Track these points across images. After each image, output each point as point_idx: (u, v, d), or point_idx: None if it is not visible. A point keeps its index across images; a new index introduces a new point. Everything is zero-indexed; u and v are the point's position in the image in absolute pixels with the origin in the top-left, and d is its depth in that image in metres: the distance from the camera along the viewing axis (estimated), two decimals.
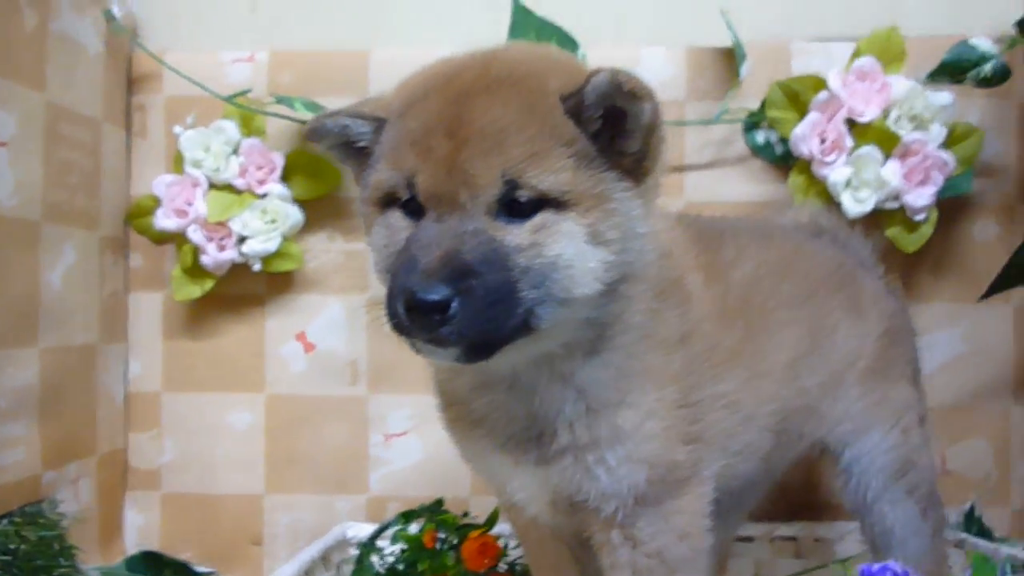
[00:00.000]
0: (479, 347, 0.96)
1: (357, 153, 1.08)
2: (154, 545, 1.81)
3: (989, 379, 1.79)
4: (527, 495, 1.18)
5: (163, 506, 1.85)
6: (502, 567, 1.51)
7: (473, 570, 1.45)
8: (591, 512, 1.13)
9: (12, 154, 1.46)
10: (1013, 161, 1.78)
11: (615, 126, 0.99)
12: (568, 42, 1.70)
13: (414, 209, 1.00)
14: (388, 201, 1.03)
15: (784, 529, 1.73)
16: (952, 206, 1.76)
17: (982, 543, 1.52)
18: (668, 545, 1.13)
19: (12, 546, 1.38)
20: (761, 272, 1.28)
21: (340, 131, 1.08)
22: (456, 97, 0.98)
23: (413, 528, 1.52)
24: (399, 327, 0.95)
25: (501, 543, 1.50)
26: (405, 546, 1.49)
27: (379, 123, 1.05)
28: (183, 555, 1.78)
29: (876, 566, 1.16)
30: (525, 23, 1.67)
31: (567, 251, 0.97)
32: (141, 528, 1.84)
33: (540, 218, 0.97)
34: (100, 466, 1.73)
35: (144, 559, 1.47)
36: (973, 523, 1.68)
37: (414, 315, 0.92)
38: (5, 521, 1.40)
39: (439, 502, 1.56)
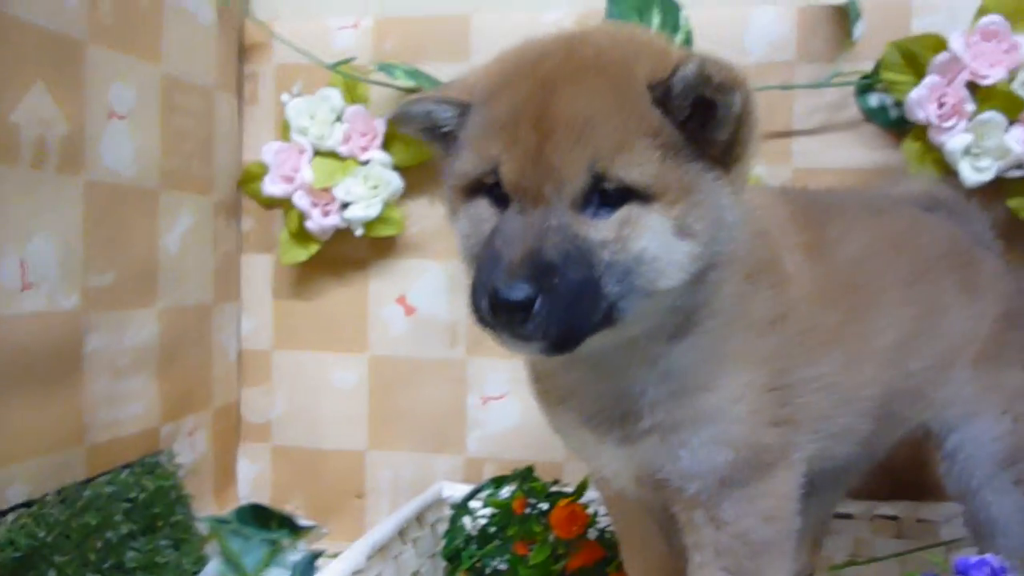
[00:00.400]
0: (563, 342, 0.95)
1: (442, 137, 1.07)
2: (264, 495, 1.92)
3: None
4: (612, 470, 1.19)
5: (273, 458, 1.95)
6: (591, 534, 1.53)
7: (562, 537, 1.48)
8: (674, 491, 1.13)
9: (131, 126, 1.54)
10: None
11: (704, 115, 0.96)
12: (670, 6, 1.65)
13: (500, 197, 0.99)
14: (474, 189, 1.01)
15: (885, 508, 1.68)
16: None
17: None
18: (753, 527, 1.12)
19: (132, 495, 1.48)
20: (870, 251, 1.23)
21: (424, 117, 1.06)
22: (542, 84, 0.96)
23: (504, 493, 1.55)
24: (483, 322, 0.95)
25: (590, 511, 1.51)
26: (496, 511, 1.53)
27: (464, 108, 1.03)
28: (290, 505, 1.89)
29: (974, 559, 1.12)
30: None
31: (652, 245, 0.95)
32: (253, 479, 1.95)
33: (625, 211, 0.95)
34: (215, 419, 1.84)
35: (252, 511, 1.55)
36: None
37: (498, 312, 0.92)
38: (126, 472, 1.50)
39: (530, 469, 1.59)
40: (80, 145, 1.42)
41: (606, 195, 0.95)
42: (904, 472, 1.73)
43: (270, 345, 1.94)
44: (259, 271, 1.94)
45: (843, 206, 1.28)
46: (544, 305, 0.91)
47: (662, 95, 0.95)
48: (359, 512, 1.92)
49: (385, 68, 1.75)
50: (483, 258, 0.95)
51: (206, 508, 1.73)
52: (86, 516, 1.39)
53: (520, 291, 0.90)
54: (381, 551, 1.36)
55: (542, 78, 0.96)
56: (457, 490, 1.70)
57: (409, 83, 1.76)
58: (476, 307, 0.95)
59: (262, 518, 1.57)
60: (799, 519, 1.16)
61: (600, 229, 0.94)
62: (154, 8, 1.59)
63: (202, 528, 1.55)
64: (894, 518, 1.68)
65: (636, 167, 0.94)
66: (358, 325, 1.91)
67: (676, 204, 0.96)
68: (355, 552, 1.26)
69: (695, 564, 1.14)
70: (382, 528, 1.39)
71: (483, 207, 1.00)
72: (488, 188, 1.00)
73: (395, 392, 1.90)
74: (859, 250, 1.22)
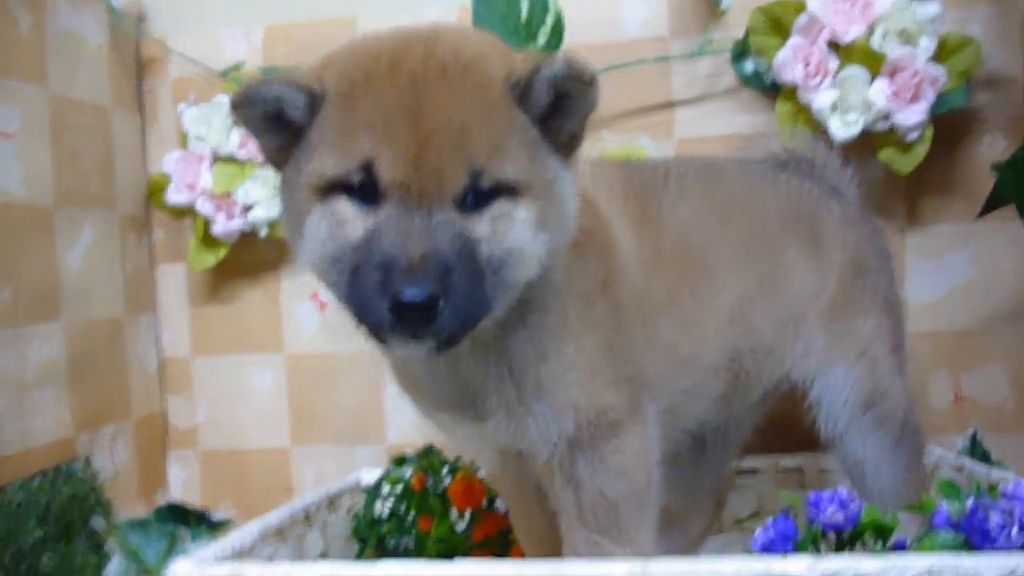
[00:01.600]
0: (453, 339, 0.97)
1: (284, 128, 1.03)
2: (195, 498, 1.96)
3: (1002, 302, 1.72)
4: (474, 448, 1.25)
5: (202, 462, 1.99)
6: (500, 506, 1.57)
7: (461, 509, 1.52)
8: (531, 459, 1.18)
9: (18, 145, 1.58)
10: (1018, 71, 1.68)
11: (554, 108, 1.01)
12: None
13: (366, 197, 0.97)
14: (330, 188, 0.99)
15: (788, 460, 1.73)
16: (951, 123, 1.68)
17: (979, 467, 1.48)
18: (607, 483, 1.16)
19: (45, 500, 1.53)
20: (703, 214, 1.28)
21: (273, 99, 1.01)
22: (411, 84, 0.96)
23: (406, 473, 1.60)
24: (375, 324, 0.94)
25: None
26: (399, 489, 1.57)
27: (313, 98, 1.01)
28: (222, 506, 1.93)
29: (825, 493, 1.16)
30: None
31: (521, 238, 0.99)
32: (184, 482, 1.99)
33: (497, 207, 0.98)
34: (138, 427, 1.88)
35: (170, 510, 1.60)
36: (976, 449, 1.64)
37: (402, 315, 0.91)
38: (38, 479, 1.55)
39: (430, 447, 1.63)
40: None
41: (479, 193, 0.97)
42: (804, 427, 1.77)
43: (189, 352, 1.99)
44: (174, 280, 1.98)
45: (680, 174, 1.31)
46: (445, 304, 0.93)
47: (521, 93, 0.99)
48: None
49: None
50: (370, 260, 0.94)
51: (133, 514, 1.77)
52: None
53: (424, 291, 0.91)
54: (278, 532, 1.40)
55: (408, 77, 0.97)
56: (374, 476, 1.75)
57: None
58: (368, 311, 0.94)
59: (180, 516, 1.62)
60: (656, 471, 1.20)
61: (478, 225, 0.97)
62: (35, 34, 1.64)
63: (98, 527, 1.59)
64: (798, 470, 1.73)
65: (509, 164, 0.98)
66: (273, 325, 1.95)
67: (539, 197, 1.00)
68: (244, 532, 1.30)
69: (564, 527, 1.18)
70: (280, 511, 1.43)
71: (343, 207, 0.98)
72: (348, 187, 0.98)
73: (314, 388, 1.95)
74: (691, 215, 1.26)
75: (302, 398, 1.95)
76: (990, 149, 1.70)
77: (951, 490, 1.17)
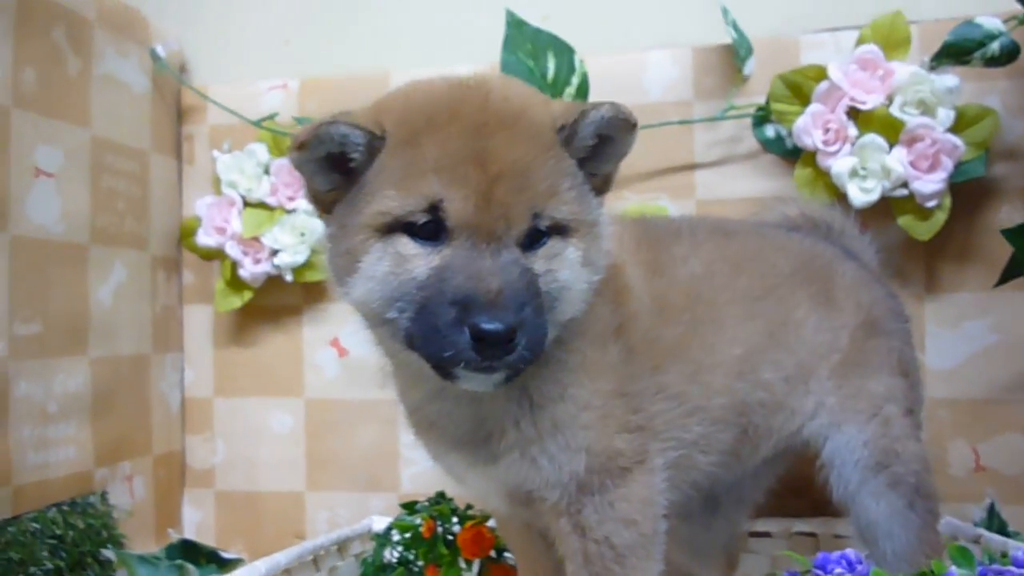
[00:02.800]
0: (518, 370, 1.02)
1: (342, 168, 1.06)
2: (209, 539, 1.96)
3: (1022, 370, 1.71)
4: (482, 490, 1.25)
5: (217, 503, 2.01)
6: (508, 558, 1.56)
7: (468, 558, 1.52)
8: (540, 502, 1.18)
9: (59, 184, 1.65)
10: None
11: (594, 151, 1.08)
12: (564, 50, 1.75)
13: (431, 236, 1.02)
14: (391, 227, 1.03)
15: (802, 525, 1.71)
16: (970, 192, 1.70)
17: (996, 538, 1.46)
18: (614, 531, 1.16)
19: (59, 532, 1.55)
20: (714, 268, 1.30)
21: (340, 139, 1.04)
22: (475, 129, 1.02)
23: (416, 520, 1.60)
24: (452, 358, 0.98)
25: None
26: (408, 536, 1.57)
27: (373, 139, 1.04)
28: (234, 548, 1.94)
29: (835, 554, 1.15)
30: (519, 35, 1.73)
31: (571, 276, 1.06)
32: (199, 523, 2.00)
33: (551, 245, 1.05)
34: (156, 465, 1.90)
35: (182, 547, 1.61)
36: (994, 519, 1.61)
37: (483, 346, 0.96)
38: (53, 510, 1.57)
39: (441, 494, 1.63)
40: (6, 202, 1.52)
41: (536, 233, 1.04)
42: (818, 491, 1.75)
43: (211, 393, 2.02)
44: (200, 322, 2.03)
45: (693, 229, 1.35)
46: (522, 335, 0.98)
47: (567, 138, 1.06)
48: None
49: (305, 121, 1.86)
50: (441, 295, 0.98)
51: (146, 551, 1.78)
52: (10, 552, 1.46)
53: (505, 323, 0.96)
54: (286, 572, 1.41)
55: (471, 123, 1.02)
56: (386, 523, 1.75)
57: None
58: (443, 344, 0.97)
59: (191, 553, 1.63)
60: (662, 523, 1.20)
61: (536, 263, 1.04)
62: (82, 78, 1.71)
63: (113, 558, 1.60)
64: (811, 535, 1.71)
65: (564, 206, 1.05)
66: (294, 369, 1.98)
67: (584, 237, 1.07)
68: (252, 569, 1.31)
69: (569, 573, 1.19)
70: (288, 552, 1.44)
71: (407, 245, 1.02)
72: (411, 227, 1.02)
73: (331, 434, 1.97)
74: (702, 268, 1.29)
75: (318, 443, 1.97)
76: (1008, 218, 1.71)
77: (963, 556, 1.17)
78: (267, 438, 1.99)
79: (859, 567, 1.12)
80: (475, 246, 1.00)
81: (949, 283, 1.73)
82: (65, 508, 1.60)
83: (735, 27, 1.75)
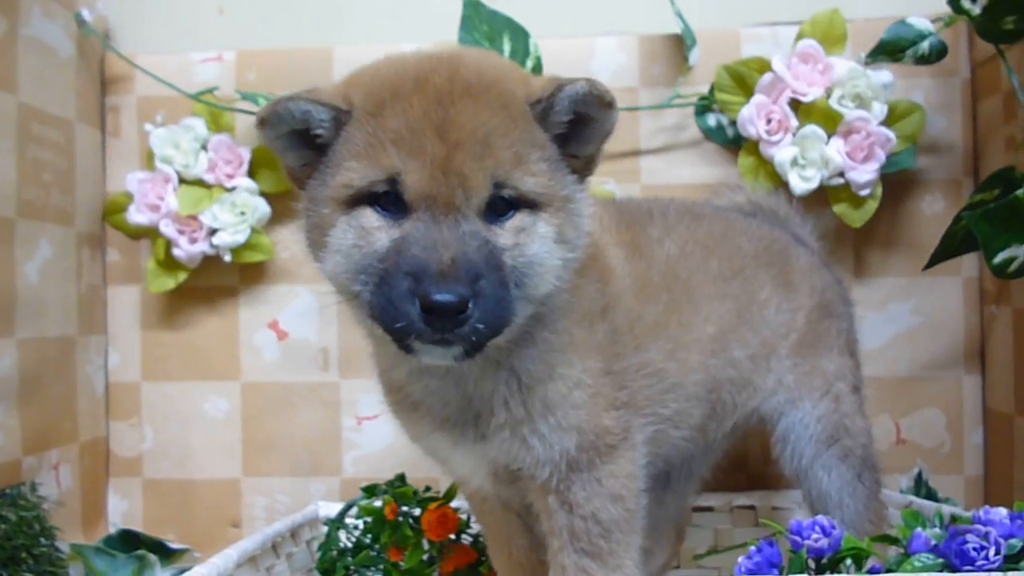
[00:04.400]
0: (478, 345, 1.00)
1: (309, 143, 1.06)
2: (137, 529, 1.88)
3: (940, 350, 1.83)
4: (468, 469, 1.25)
5: (145, 492, 1.92)
6: (465, 539, 1.57)
7: (434, 540, 1.51)
8: (528, 480, 1.19)
9: None
10: (958, 137, 1.83)
11: (575, 131, 1.06)
12: (520, 33, 1.75)
13: (392, 207, 1.01)
14: (356, 200, 1.02)
15: (742, 499, 1.78)
16: (899, 183, 1.81)
17: (927, 504, 1.56)
18: (602, 507, 1.18)
19: None
20: (688, 249, 1.34)
21: (301, 116, 1.04)
22: (437, 99, 1.01)
23: (377, 503, 1.58)
24: (405, 329, 0.97)
25: (463, 516, 1.55)
26: (369, 520, 1.55)
27: (340, 114, 1.04)
28: (164, 538, 1.86)
29: (806, 521, 1.21)
30: (476, 16, 1.72)
31: (542, 251, 1.04)
32: (124, 513, 1.91)
33: (519, 219, 1.03)
34: (82, 453, 1.80)
35: (122, 537, 1.54)
36: (921, 487, 1.73)
37: (432, 317, 0.95)
38: None
39: (401, 477, 1.62)
40: None
41: (501, 204, 1.02)
42: (755, 466, 1.85)
43: (138, 377, 1.92)
44: (126, 303, 1.93)
45: (664, 212, 1.38)
46: (475, 307, 0.96)
47: (542, 112, 1.04)
48: (236, 541, 1.89)
49: (249, 97, 1.80)
50: (398, 268, 0.97)
51: (74, 542, 1.69)
52: None
53: (455, 293, 0.95)
54: (252, 560, 1.37)
55: (435, 93, 1.01)
56: (334, 509, 1.72)
57: None
58: (398, 315, 0.97)
59: (132, 544, 1.56)
60: (644, 498, 1.23)
61: (501, 235, 1.02)
62: (8, 39, 1.60)
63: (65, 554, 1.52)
64: (751, 507, 1.79)
65: (530, 177, 1.02)
66: (230, 352, 1.92)
67: (557, 213, 1.05)
68: (223, 558, 1.26)
69: (554, 550, 1.20)
70: (253, 539, 1.40)
71: (370, 217, 1.02)
72: (374, 198, 1.02)
73: (269, 418, 1.91)
74: (677, 249, 1.33)
75: (256, 428, 1.91)
76: (930, 208, 1.83)
77: (915, 520, 1.25)
78: (200, 423, 1.92)
79: (833, 532, 1.18)
80: (434, 217, 0.99)
81: (876, 268, 1.84)
82: None
83: (681, 17, 1.79)
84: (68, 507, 1.73)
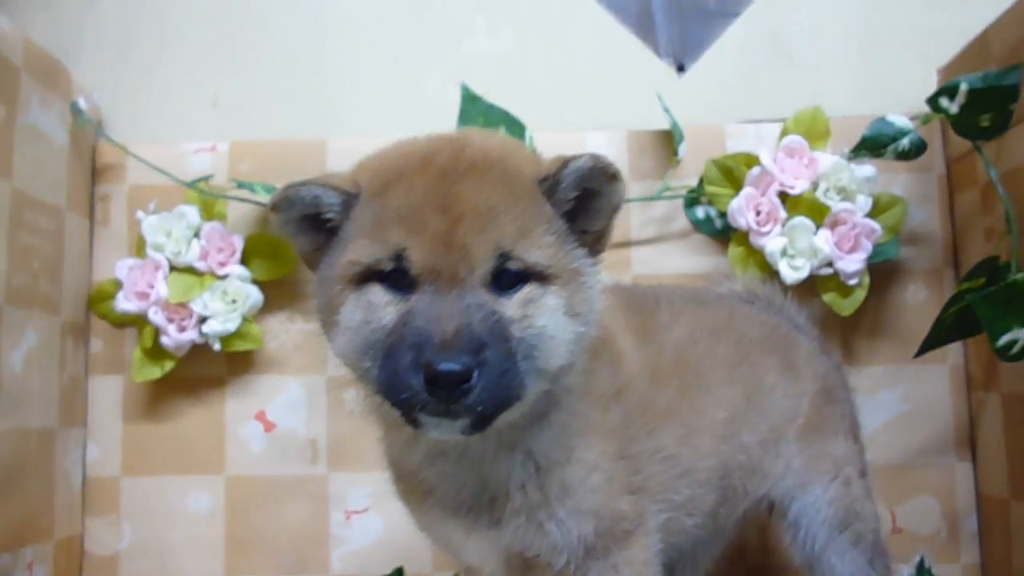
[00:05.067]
0: (486, 418, 0.99)
1: (320, 227, 1.09)
2: None
3: (931, 437, 1.85)
4: (481, 558, 1.21)
5: None
6: None
7: None
8: (544, 568, 1.16)
9: None
10: (937, 229, 1.89)
11: (582, 207, 1.08)
12: (515, 126, 1.80)
13: (399, 283, 1.02)
14: (364, 278, 1.04)
15: None
16: (883, 273, 1.85)
17: None
18: None
19: None
20: (696, 335, 1.35)
21: (311, 200, 1.07)
22: (441, 177, 1.03)
23: None
24: (409, 401, 0.96)
25: None
26: None
27: (349, 197, 1.06)
28: None
29: None
30: (473, 109, 1.76)
31: (550, 323, 1.03)
32: None
33: (527, 291, 1.03)
34: (57, 551, 1.72)
35: None
36: (924, 574, 1.72)
37: (435, 387, 0.94)
38: None
39: (399, 571, 1.57)
40: None
41: (508, 276, 1.02)
42: (754, 555, 1.82)
43: (118, 471, 1.85)
44: (107, 394, 1.87)
45: (670, 298, 1.40)
46: (480, 378, 0.95)
47: (550, 188, 1.06)
48: None
49: (245, 185, 1.80)
50: (403, 341, 0.97)
51: None
52: None
53: (459, 363, 0.94)
54: None
55: (439, 172, 1.03)
56: None
57: (268, 198, 1.81)
58: (401, 387, 0.96)
59: None
60: None
61: (508, 307, 1.01)
62: (6, 125, 1.59)
63: None
64: None
65: (537, 249, 1.03)
66: (215, 445, 1.86)
67: (567, 286, 1.05)
68: None
69: None
70: None
71: (378, 294, 1.03)
72: (382, 275, 1.03)
73: (254, 513, 1.85)
74: (686, 335, 1.34)
75: (240, 523, 1.84)
76: (914, 298, 1.88)
77: None
78: (181, 520, 1.84)
79: None
80: (438, 290, 1.00)
81: (864, 356, 1.87)
82: None
83: (668, 112, 1.85)
84: None
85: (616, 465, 1.17)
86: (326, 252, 1.09)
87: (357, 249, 1.04)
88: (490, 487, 1.14)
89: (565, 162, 1.06)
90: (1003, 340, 1.37)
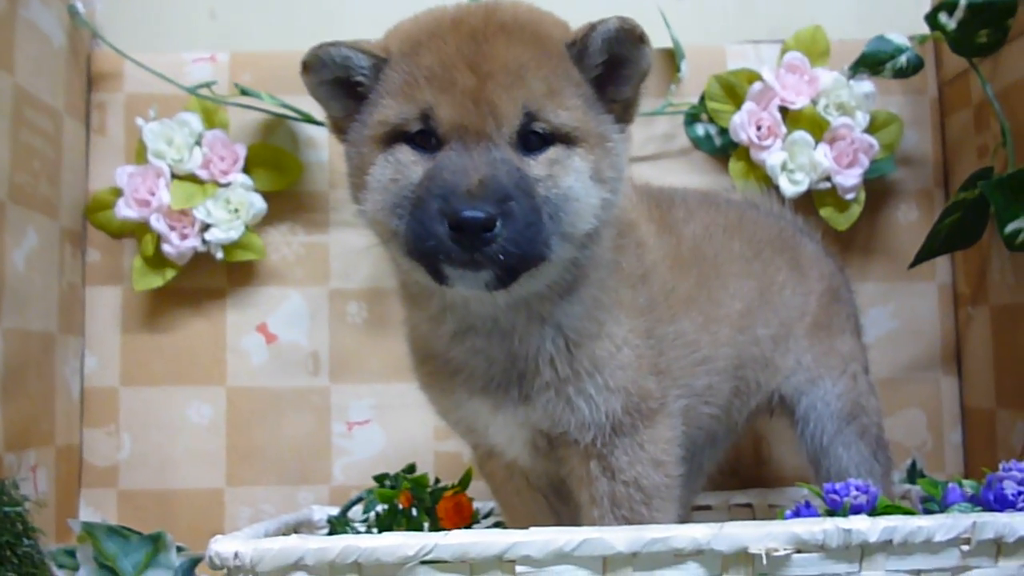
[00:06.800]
0: (509, 272, 1.01)
1: (351, 93, 1.10)
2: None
3: (919, 352, 1.91)
4: (506, 437, 1.23)
5: (120, 503, 1.81)
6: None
7: (448, 528, 1.47)
8: (570, 445, 1.18)
9: None
10: (929, 151, 1.93)
11: (611, 73, 1.09)
12: None
13: (426, 142, 1.04)
14: (392, 137, 1.06)
15: (739, 497, 1.79)
16: (878, 192, 1.90)
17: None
18: (644, 473, 1.18)
19: None
20: (711, 230, 1.38)
21: (341, 60, 1.09)
22: (471, 37, 1.04)
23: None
24: (434, 250, 0.98)
25: (476, 506, 1.52)
26: (383, 507, 1.50)
27: (378, 61, 1.08)
28: None
29: (839, 484, 1.23)
30: None
31: (576, 185, 1.05)
32: None
33: (553, 152, 1.04)
34: (58, 457, 1.70)
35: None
36: (915, 476, 1.78)
37: (460, 234, 0.96)
38: None
39: (411, 467, 1.58)
40: None
41: (535, 136, 1.04)
42: (748, 469, 1.87)
43: (116, 382, 1.84)
44: (105, 305, 1.85)
45: (684, 197, 1.43)
46: (503, 227, 0.97)
47: (579, 52, 1.07)
48: None
49: (252, 93, 1.78)
50: (429, 193, 0.99)
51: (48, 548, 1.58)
52: None
53: (483, 211, 0.96)
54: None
55: (469, 32, 1.04)
56: (328, 512, 1.66)
57: (274, 107, 1.79)
58: (426, 236, 0.98)
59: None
60: (682, 465, 1.24)
61: (534, 166, 1.03)
62: (6, 18, 1.55)
63: (75, 529, 1.39)
64: (748, 505, 1.79)
65: (564, 111, 1.04)
66: (215, 356, 1.85)
67: (593, 151, 1.06)
68: (266, 526, 1.21)
69: (593, 518, 1.19)
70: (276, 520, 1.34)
71: (406, 153, 1.05)
72: (409, 136, 1.05)
73: (256, 424, 1.85)
74: (702, 229, 1.37)
75: (241, 435, 1.84)
76: (905, 217, 1.93)
77: (935, 488, 1.28)
78: (182, 431, 1.83)
79: (870, 490, 1.20)
80: (465, 146, 1.01)
81: (857, 273, 1.91)
82: None
83: (671, 31, 1.87)
84: (43, 513, 1.61)
85: (644, 344, 1.20)
86: (355, 118, 1.10)
87: (385, 109, 1.06)
88: (519, 362, 1.15)
89: (593, 26, 1.07)
90: (1010, 227, 1.42)
